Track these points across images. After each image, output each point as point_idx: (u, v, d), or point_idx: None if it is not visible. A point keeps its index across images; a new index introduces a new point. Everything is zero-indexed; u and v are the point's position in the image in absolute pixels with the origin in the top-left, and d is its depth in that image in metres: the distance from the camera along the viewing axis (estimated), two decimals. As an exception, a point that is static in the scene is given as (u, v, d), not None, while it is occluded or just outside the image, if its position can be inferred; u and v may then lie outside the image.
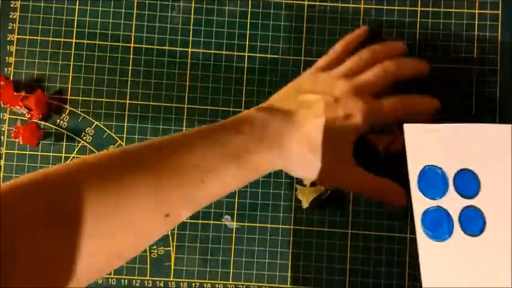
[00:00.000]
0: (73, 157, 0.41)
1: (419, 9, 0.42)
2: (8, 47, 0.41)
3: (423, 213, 0.30)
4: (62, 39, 0.42)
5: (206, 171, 0.30)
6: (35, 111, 0.40)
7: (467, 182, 0.29)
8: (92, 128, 0.41)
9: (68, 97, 0.41)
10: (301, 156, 0.33)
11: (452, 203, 0.29)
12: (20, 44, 0.41)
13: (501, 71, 0.41)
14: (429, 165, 0.30)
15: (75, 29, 0.42)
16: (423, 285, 0.30)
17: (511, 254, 0.28)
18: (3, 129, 0.41)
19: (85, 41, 0.42)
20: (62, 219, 0.26)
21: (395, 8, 0.42)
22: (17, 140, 0.40)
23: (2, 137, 0.41)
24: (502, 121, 0.41)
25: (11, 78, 0.41)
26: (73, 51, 0.42)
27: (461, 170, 0.29)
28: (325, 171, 0.34)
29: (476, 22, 0.42)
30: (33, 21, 0.42)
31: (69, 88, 0.41)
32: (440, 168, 0.30)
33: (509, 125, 0.29)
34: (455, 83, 0.41)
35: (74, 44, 0.42)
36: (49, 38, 0.42)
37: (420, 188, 0.30)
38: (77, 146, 0.41)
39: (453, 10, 0.42)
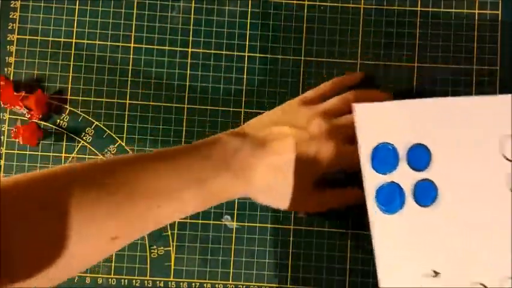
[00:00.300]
0: (73, 157, 0.41)
1: (419, 9, 0.42)
2: (8, 47, 0.41)
3: (377, 190, 0.30)
4: (62, 39, 0.42)
5: (163, 196, 0.30)
6: (35, 111, 0.40)
7: (419, 156, 0.30)
8: (92, 128, 0.41)
9: (68, 97, 0.41)
10: (265, 185, 0.34)
11: (404, 176, 0.30)
12: (20, 44, 0.42)
13: (501, 71, 0.41)
14: (381, 143, 0.31)
15: (75, 29, 0.42)
16: (376, 258, 0.30)
17: (463, 223, 0.29)
18: (3, 129, 0.41)
19: (85, 41, 0.42)
20: (51, 219, 0.26)
21: (395, 8, 0.42)
22: (17, 140, 0.40)
23: (2, 137, 0.41)
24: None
25: (11, 78, 0.41)
26: (73, 51, 0.42)
27: (413, 144, 0.30)
28: (286, 200, 0.35)
29: (476, 22, 0.42)
30: (33, 21, 0.42)
31: (69, 88, 0.41)
32: (392, 145, 0.30)
33: (457, 98, 0.31)
34: (455, 83, 0.41)
35: (73, 44, 0.42)
36: (49, 38, 0.42)
37: (373, 165, 0.31)
38: (77, 146, 0.41)
39: (453, 10, 0.42)
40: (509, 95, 0.30)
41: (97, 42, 0.42)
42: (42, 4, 0.42)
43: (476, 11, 0.42)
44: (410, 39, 0.42)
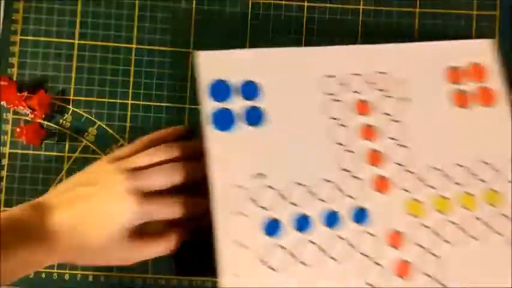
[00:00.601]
0: (76, 157, 0.41)
1: (417, 10, 0.42)
2: (11, 48, 0.42)
3: (212, 113, 0.36)
4: (65, 40, 0.42)
5: None
6: (38, 111, 0.41)
7: (250, 89, 0.37)
8: (95, 128, 0.42)
9: (71, 97, 0.42)
10: (71, 249, 0.33)
11: (237, 104, 0.37)
12: (23, 45, 0.42)
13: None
14: (218, 79, 0.37)
15: (77, 30, 0.42)
16: (211, 175, 0.35)
17: (286, 139, 0.37)
18: (6, 129, 0.41)
19: (87, 42, 0.42)
20: None
21: (394, 9, 0.42)
22: (20, 139, 0.41)
23: (5, 137, 0.41)
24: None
25: (14, 79, 0.42)
26: (75, 52, 0.42)
27: (246, 80, 0.37)
28: (101, 256, 0.34)
29: (474, 23, 0.42)
30: (36, 22, 0.42)
31: (72, 88, 0.42)
32: (227, 80, 0.37)
33: (284, 48, 0.38)
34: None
35: (76, 44, 0.42)
36: (52, 39, 0.42)
37: (210, 94, 0.37)
38: (80, 145, 0.41)
39: (451, 11, 0.42)
40: (326, 47, 0.39)
41: (99, 43, 0.42)
42: (45, 5, 0.42)
43: (474, 13, 0.42)
44: (408, 40, 0.42)
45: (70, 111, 0.42)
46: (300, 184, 0.36)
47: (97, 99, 0.42)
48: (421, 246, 0.36)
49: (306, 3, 0.43)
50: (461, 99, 0.39)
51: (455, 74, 0.39)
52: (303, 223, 0.35)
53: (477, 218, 0.37)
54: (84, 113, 0.42)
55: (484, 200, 0.38)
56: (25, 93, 0.41)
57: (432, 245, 0.36)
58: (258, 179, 0.36)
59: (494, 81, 0.40)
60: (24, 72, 0.42)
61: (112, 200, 0.33)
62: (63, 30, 0.42)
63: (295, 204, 0.36)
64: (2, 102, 0.41)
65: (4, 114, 0.41)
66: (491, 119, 0.39)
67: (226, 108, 0.36)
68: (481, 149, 0.38)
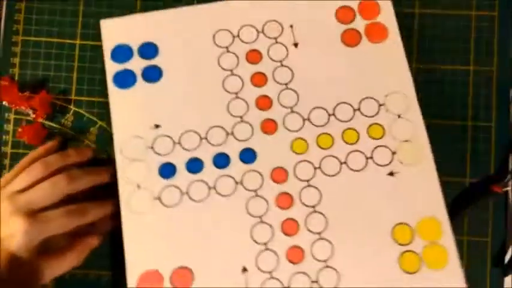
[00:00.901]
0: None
1: (417, 11, 0.43)
2: (12, 48, 0.42)
3: (114, 74, 0.40)
4: (66, 40, 0.42)
5: None
6: (40, 111, 0.41)
7: (148, 50, 0.41)
8: (96, 127, 0.42)
9: (72, 97, 0.42)
10: None
11: (136, 64, 0.40)
12: (25, 45, 0.42)
13: (497, 72, 0.42)
14: (120, 43, 0.41)
15: (79, 30, 0.42)
16: (114, 133, 0.39)
17: (182, 92, 0.40)
18: (8, 129, 0.41)
19: (89, 42, 0.42)
20: None
21: (394, 9, 0.42)
22: (21, 139, 0.41)
23: (7, 137, 0.41)
24: (498, 121, 0.42)
25: (16, 79, 0.42)
26: (77, 52, 0.42)
27: (144, 42, 0.41)
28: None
29: (473, 23, 0.42)
30: (38, 22, 0.42)
31: (74, 88, 0.42)
32: (128, 44, 0.41)
33: (178, 9, 0.41)
34: (452, 84, 0.42)
35: (78, 45, 0.42)
36: (53, 39, 0.42)
37: (112, 58, 0.40)
38: (81, 145, 0.42)
39: (450, 12, 0.43)
40: (217, 3, 0.41)
41: (101, 43, 0.42)
42: (47, 5, 0.42)
43: (473, 13, 0.43)
44: (407, 41, 0.42)
45: (71, 111, 0.42)
46: (193, 131, 0.39)
47: (98, 99, 0.42)
48: (302, 180, 0.39)
49: None
50: (351, 38, 0.41)
51: (345, 14, 0.41)
52: (194, 165, 0.39)
53: (359, 151, 0.39)
54: (85, 113, 0.42)
55: (367, 133, 0.39)
56: (27, 93, 0.41)
57: (313, 178, 0.39)
58: (155, 130, 0.39)
59: (386, 16, 0.41)
60: (25, 72, 0.42)
61: (1, 227, 0.33)
62: (64, 30, 0.42)
63: (187, 150, 0.39)
64: (3, 102, 0.41)
65: (6, 114, 0.42)
66: (381, 55, 0.40)
67: (127, 69, 0.40)
68: (367, 86, 0.40)
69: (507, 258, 0.40)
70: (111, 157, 0.39)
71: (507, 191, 0.40)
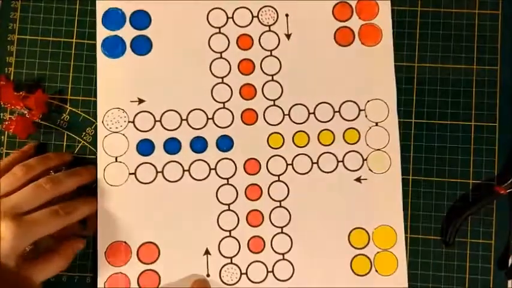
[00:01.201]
0: (73, 157, 0.41)
1: (419, 9, 0.42)
2: (8, 47, 0.41)
3: (103, 40, 0.40)
4: (63, 39, 0.42)
5: None
6: (35, 111, 0.40)
7: (141, 18, 0.40)
8: (92, 127, 0.41)
9: (68, 97, 0.41)
10: None
11: (127, 33, 0.40)
12: (21, 44, 0.41)
13: (501, 71, 0.41)
14: (112, 7, 0.41)
15: (75, 29, 0.42)
16: (98, 102, 0.40)
17: (172, 67, 0.40)
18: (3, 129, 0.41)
19: (85, 41, 0.42)
20: None
21: (395, 8, 0.42)
22: (10, 132, 0.40)
23: (2, 137, 0.41)
24: (502, 121, 0.41)
25: (12, 78, 0.41)
26: (73, 51, 0.42)
27: (136, 10, 0.41)
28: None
29: (476, 22, 0.42)
30: (34, 21, 0.42)
31: (70, 88, 0.41)
32: (121, 9, 0.40)
33: None
34: (456, 83, 0.41)
35: (74, 44, 0.42)
36: (49, 38, 0.42)
37: (103, 23, 0.41)
38: (77, 146, 0.41)
39: (453, 10, 0.42)
40: None
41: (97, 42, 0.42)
42: (43, 4, 0.42)
43: (476, 11, 0.42)
44: (410, 39, 0.42)
45: (67, 111, 0.41)
46: (175, 111, 0.40)
47: (95, 99, 0.41)
48: (274, 174, 0.40)
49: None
50: (344, 37, 0.41)
51: (342, 10, 0.41)
52: (172, 146, 0.40)
53: (332, 154, 0.40)
54: (81, 113, 0.41)
55: (342, 137, 0.40)
56: (22, 93, 0.41)
57: (284, 173, 0.40)
58: (137, 104, 0.40)
59: (383, 18, 0.41)
60: (21, 71, 0.41)
61: None
62: (60, 29, 0.42)
63: (167, 129, 0.40)
64: (-2, 102, 0.41)
65: (1, 114, 0.41)
66: (371, 59, 0.41)
67: (117, 36, 0.40)
68: (351, 89, 0.40)
69: (511, 260, 0.40)
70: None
71: (511, 193, 0.40)
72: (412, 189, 0.41)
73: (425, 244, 0.40)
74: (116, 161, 0.40)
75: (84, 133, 0.41)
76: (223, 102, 0.40)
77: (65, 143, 0.41)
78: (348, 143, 0.40)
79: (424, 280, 0.40)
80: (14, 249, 0.33)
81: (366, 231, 0.40)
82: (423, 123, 0.41)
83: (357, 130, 0.40)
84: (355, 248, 0.40)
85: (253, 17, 0.41)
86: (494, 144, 0.41)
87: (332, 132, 0.40)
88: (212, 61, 0.40)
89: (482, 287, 0.40)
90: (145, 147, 0.40)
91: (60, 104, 0.41)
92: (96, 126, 0.41)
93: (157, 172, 0.40)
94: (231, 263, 0.39)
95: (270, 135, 0.40)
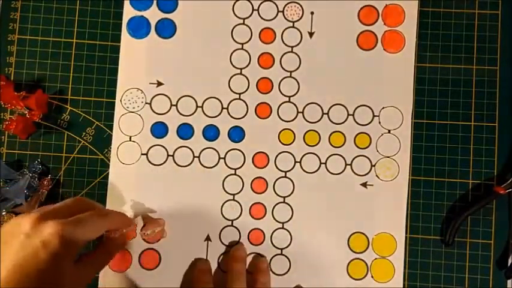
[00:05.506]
0: (73, 157, 0.41)
1: (419, 9, 0.42)
2: (8, 47, 0.42)
3: (129, 20, 0.41)
4: (63, 40, 0.42)
5: None
6: (36, 111, 0.40)
7: (168, 1, 0.41)
8: (93, 127, 0.41)
9: (69, 97, 0.41)
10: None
11: (153, 14, 0.41)
12: (21, 44, 0.42)
13: (501, 71, 0.41)
14: None
15: (75, 29, 0.42)
16: (118, 80, 0.41)
17: (195, 50, 0.41)
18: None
19: (85, 41, 0.42)
20: None
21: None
22: (9, 131, 0.40)
23: (2, 137, 0.41)
24: (502, 121, 0.41)
25: (12, 78, 0.41)
26: (74, 51, 0.42)
27: None
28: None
29: (476, 22, 0.42)
30: (34, 21, 0.42)
31: (70, 88, 0.41)
32: None
33: None
34: (455, 83, 0.41)
35: (74, 44, 0.42)
36: (50, 38, 0.42)
37: (131, 2, 0.41)
38: (78, 146, 0.41)
39: (453, 10, 0.42)
40: None
41: (97, 42, 0.42)
42: (43, 4, 0.42)
43: (476, 11, 0.42)
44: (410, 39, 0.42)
45: (68, 111, 0.41)
46: (191, 97, 0.41)
47: (95, 99, 0.41)
48: (281, 170, 0.41)
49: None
50: (367, 42, 0.41)
51: (368, 14, 0.41)
52: (185, 131, 0.41)
53: (341, 156, 0.40)
54: (82, 113, 0.41)
55: (353, 141, 0.40)
56: (23, 93, 0.41)
57: (291, 170, 0.40)
58: (156, 86, 0.41)
59: (408, 26, 0.41)
60: (21, 71, 0.41)
61: (31, 238, 0.31)
62: (61, 29, 0.42)
63: (182, 114, 0.41)
64: (-1, 102, 0.41)
65: (1, 114, 0.41)
66: (391, 66, 0.41)
67: (143, 17, 0.41)
68: (367, 93, 0.41)
69: (510, 260, 0.40)
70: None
71: (510, 193, 0.40)
72: (412, 189, 0.41)
73: (425, 244, 0.40)
74: (130, 140, 0.41)
75: (84, 133, 0.41)
76: (239, 94, 0.41)
77: (65, 143, 0.41)
78: (359, 147, 0.40)
79: (424, 280, 0.40)
80: (62, 248, 0.31)
81: (366, 237, 0.40)
82: (423, 123, 0.41)
83: (368, 135, 0.40)
84: (354, 251, 0.40)
85: (278, 11, 0.41)
86: (493, 144, 0.41)
87: (344, 135, 0.40)
88: (233, 51, 0.41)
89: (482, 287, 0.40)
90: (159, 130, 0.41)
91: (60, 104, 0.41)
92: (96, 126, 0.41)
93: (168, 155, 0.41)
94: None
95: (281, 131, 0.41)
